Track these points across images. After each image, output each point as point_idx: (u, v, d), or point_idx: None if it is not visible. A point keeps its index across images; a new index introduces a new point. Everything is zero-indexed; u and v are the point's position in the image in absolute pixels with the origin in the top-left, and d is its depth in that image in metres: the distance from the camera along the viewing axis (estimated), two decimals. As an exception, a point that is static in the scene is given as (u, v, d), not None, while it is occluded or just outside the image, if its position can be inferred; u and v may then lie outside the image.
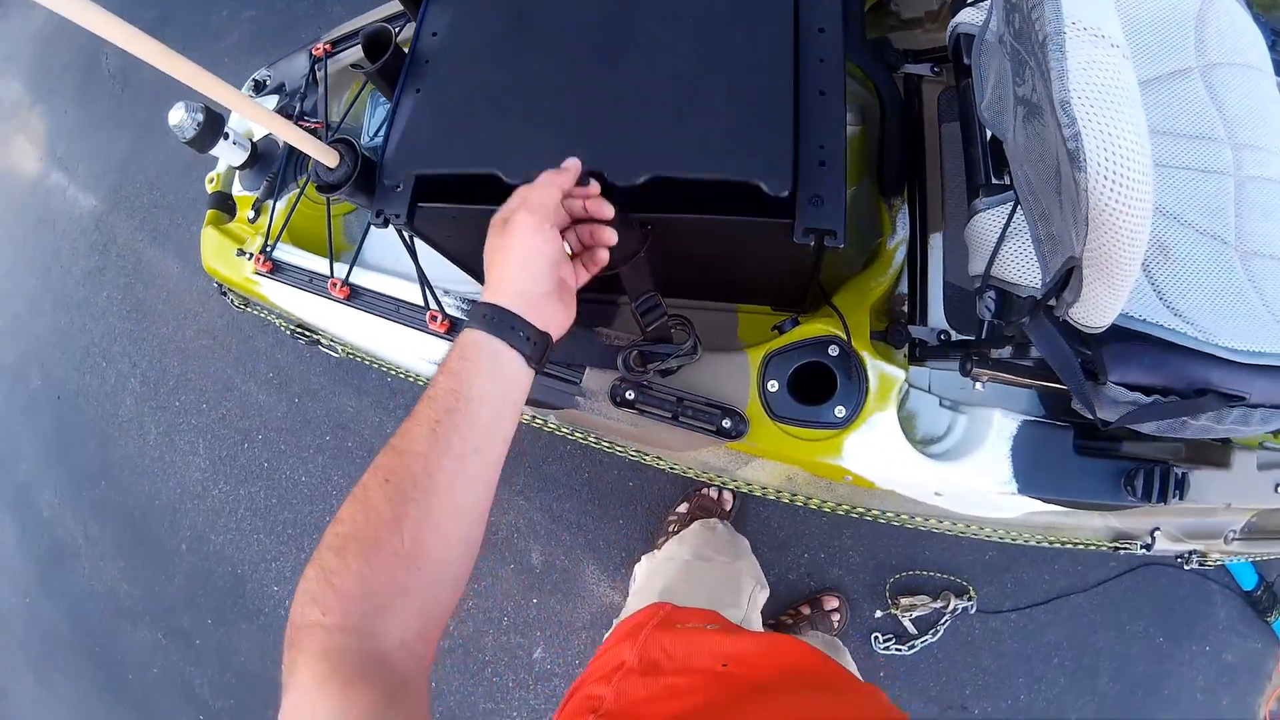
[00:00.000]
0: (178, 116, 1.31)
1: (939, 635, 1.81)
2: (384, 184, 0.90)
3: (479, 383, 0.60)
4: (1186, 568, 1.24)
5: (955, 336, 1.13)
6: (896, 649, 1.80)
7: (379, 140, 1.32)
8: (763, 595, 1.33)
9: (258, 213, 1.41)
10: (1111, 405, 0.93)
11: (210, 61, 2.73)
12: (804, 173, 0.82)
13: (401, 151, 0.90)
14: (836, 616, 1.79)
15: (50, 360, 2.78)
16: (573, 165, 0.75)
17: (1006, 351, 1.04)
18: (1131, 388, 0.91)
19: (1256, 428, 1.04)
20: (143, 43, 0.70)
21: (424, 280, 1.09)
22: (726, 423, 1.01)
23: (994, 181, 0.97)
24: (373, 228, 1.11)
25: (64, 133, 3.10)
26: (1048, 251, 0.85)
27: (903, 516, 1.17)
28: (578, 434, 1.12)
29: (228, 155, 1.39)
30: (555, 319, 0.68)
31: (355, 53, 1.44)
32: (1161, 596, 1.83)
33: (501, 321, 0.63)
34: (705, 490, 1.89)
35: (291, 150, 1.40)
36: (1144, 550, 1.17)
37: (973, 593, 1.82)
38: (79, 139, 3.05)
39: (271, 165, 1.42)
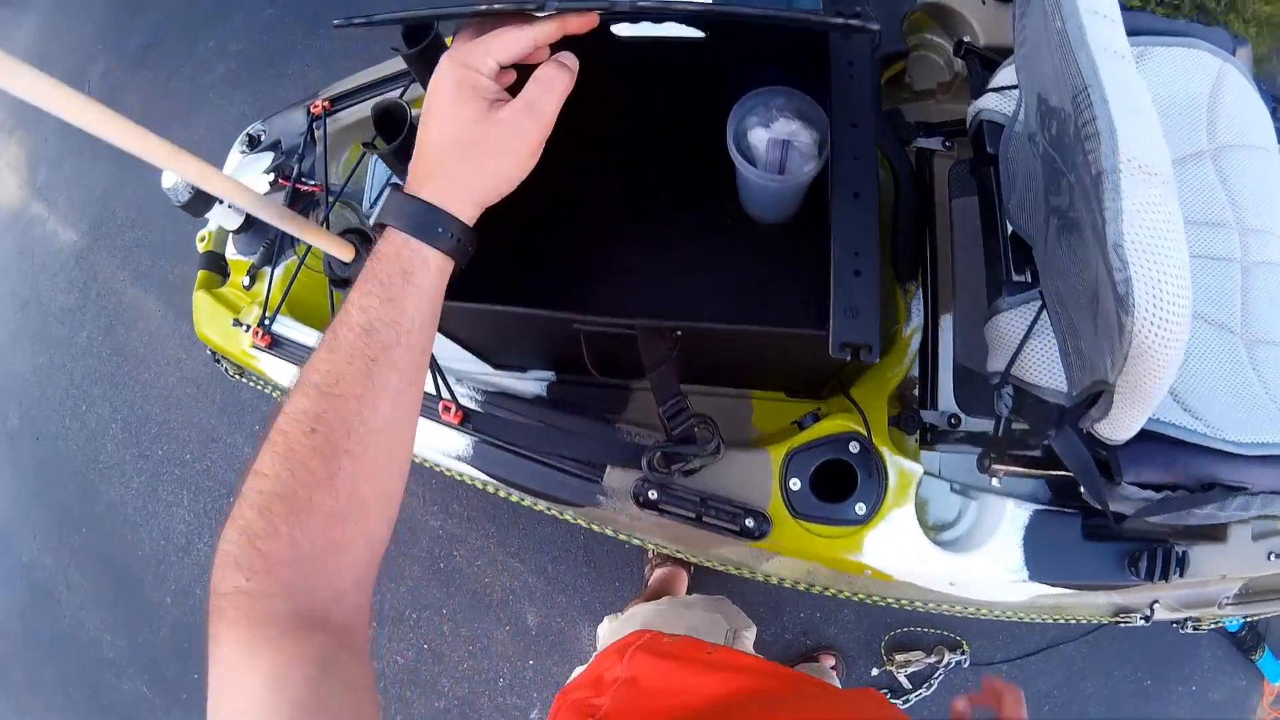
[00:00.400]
0: (171, 180, 1.25)
1: (933, 689, 1.81)
2: None
3: (421, 306, 0.50)
4: (1182, 632, 1.25)
5: (965, 420, 1.11)
6: (893, 703, 1.77)
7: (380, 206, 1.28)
8: (750, 634, 1.28)
9: (253, 279, 1.35)
10: (1124, 501, 0.93)
11: (197, 95, 2.73)
12: (839, 282, 0.78)
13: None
14: (834, 674, 1.76)
15: (29, 398, 2.66)
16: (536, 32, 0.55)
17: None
18: (1143, 485, 0.90)
19: (1256, 512, 1.04)
20: (128, 131, 0.64)
21: (437, 369, 1.04)
22: (749, 522, 0.98)
23: (1015, 278, 0.95)
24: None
25: (45, 160, 2.97)
26: (1075, 365, 0.83)
27: (916, 604, 1.14)
28: (594, 526, 1.08)
29: (223, 219, 1.33)
30: (491, 181, 0.53)
31: (356, 112, 1.38)
32: (1148, 641, 1.84)
33: (430, 222, 0.50)
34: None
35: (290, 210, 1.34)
36: (1144, 622, 1.17)
37: (966, 646, 1.82)
38: (60, 167, 2.93)
39: (267, 230, 1.36)
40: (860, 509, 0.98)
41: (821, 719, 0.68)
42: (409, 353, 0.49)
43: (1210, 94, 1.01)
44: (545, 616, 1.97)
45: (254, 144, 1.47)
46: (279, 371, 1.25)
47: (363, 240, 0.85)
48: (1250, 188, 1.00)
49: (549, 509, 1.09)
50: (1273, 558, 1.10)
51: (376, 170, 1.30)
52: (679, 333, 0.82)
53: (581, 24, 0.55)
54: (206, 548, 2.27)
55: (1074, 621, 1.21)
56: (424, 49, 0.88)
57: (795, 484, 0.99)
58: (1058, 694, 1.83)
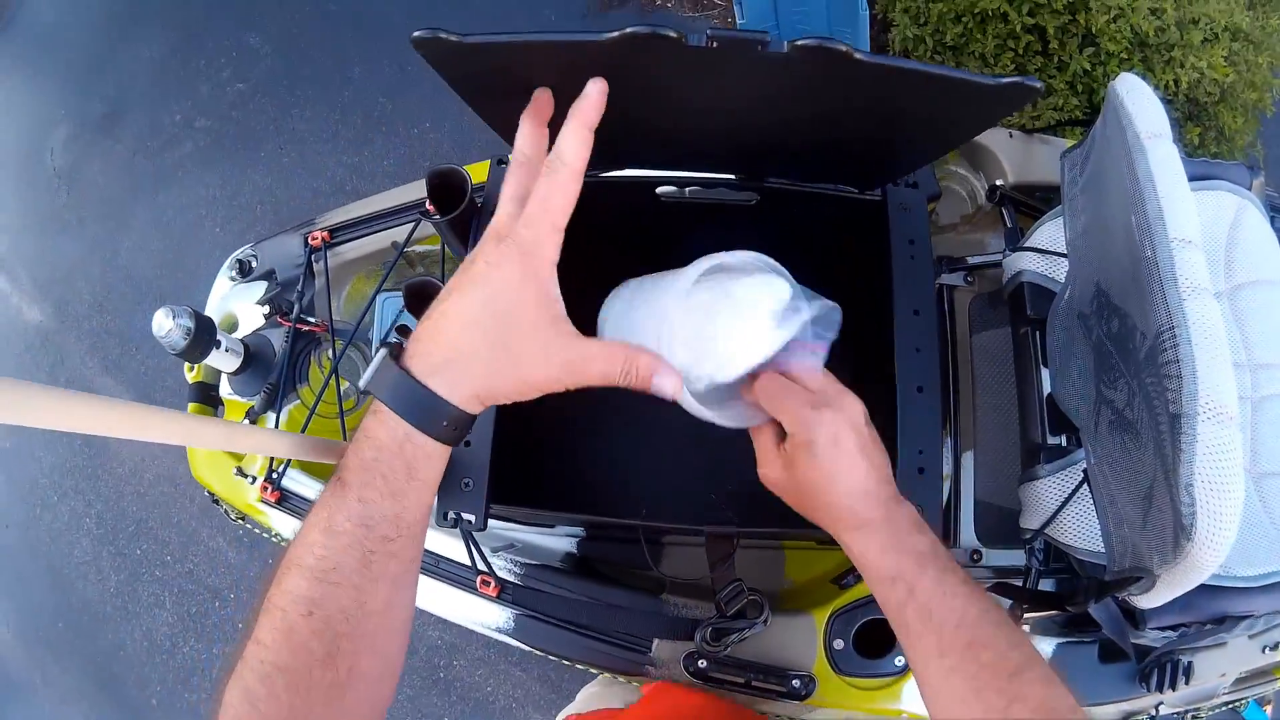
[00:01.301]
0: (164, 326, 1.13)
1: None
2: (453, 481, 0.79)
3: (424, 499, 0.47)
4: None
5: (986, 555, 1.10)
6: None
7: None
8: None
9: (253, 423, 1.25)
10: (1144, 639, 0.97)
11: (163, 172, 2.57)
12: (903, 483, 0.75)
13: (474, 451, 0.79)
14: None
15: (-6, 482, 2.47)
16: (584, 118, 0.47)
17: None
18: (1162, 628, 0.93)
19: (1260, 629, 1.08)
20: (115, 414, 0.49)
21: (472, 541, 0.97)
22: (796, 683, 0.96)
23: (1051, 441, 0.93)
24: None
25: (6, 229, 2.76)
26: (1116, 543, 0.82)
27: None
28: (634, 681, 1.03)
29: (221, 363, 1.23)
30: (513, 389, 0.46)
31: (357, 247, 1.29)
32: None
33: (437, 416, 0.45)
34: None
35: (291, 354, 1.25)
36: None
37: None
38: (22, 239, 2.73)
39: (267, 370, 1.26)
40: (899, 661, 0.97)
41: None
42: (410, 543, 0.47)
43: (1228, 234, 1.01)
44: (550, 723, 1.90)
45: (244, 270, 1.37)
46: (289, 527, 1.16)
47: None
48: (1261, 323, 1.01)
49: (586, 669, 1.04)
50: (1266, 650, 1.12)
51: (385, 309, 1.22)
52: (737, 536, 0.79)
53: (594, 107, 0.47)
54: (192, 651, 2.14)
55: (1085, 731, 1.22)
56: (459, 215, 0.82)
57: (839, 644, 0.97)
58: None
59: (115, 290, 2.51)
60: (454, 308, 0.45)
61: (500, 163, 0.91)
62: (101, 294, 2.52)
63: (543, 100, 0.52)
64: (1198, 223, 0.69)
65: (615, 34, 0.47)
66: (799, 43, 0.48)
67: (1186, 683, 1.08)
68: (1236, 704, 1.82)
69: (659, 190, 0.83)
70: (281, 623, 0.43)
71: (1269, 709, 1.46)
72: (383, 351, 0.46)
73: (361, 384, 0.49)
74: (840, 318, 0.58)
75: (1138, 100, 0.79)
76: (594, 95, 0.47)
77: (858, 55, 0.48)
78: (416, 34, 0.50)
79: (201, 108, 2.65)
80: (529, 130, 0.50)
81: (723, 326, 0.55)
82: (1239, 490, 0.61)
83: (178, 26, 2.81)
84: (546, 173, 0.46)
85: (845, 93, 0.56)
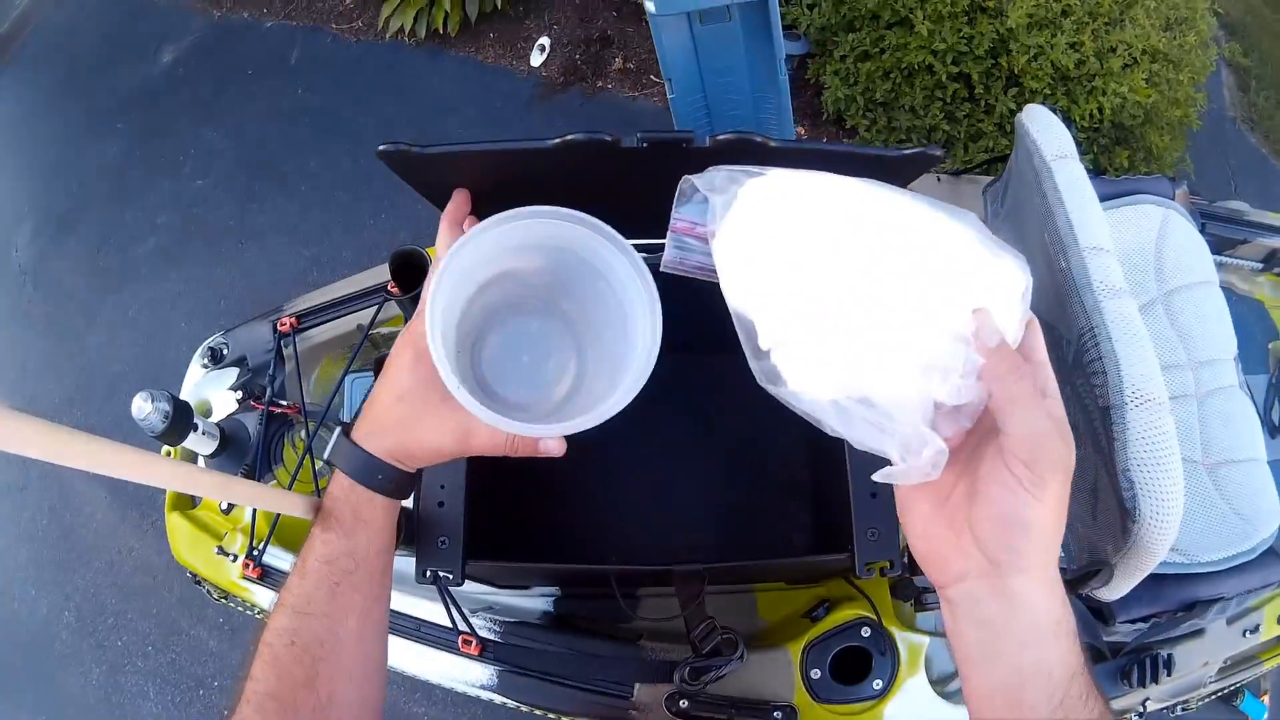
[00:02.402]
0: (144, 410, 1.13)
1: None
2: (430, 540, 0.81)
3: (372, 538, 0.57)
4: (1173, 716, 1.28)
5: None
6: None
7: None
8: None
9: (231, 505, 1.25)
10: (1117, 636, 1.00)
11: (127, 268, 2.58)
12: (858, 508, 0.79)
13: (447, 510, 0.81)
14: None
15: (-29, 577, 2.37)
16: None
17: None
18: (1133, 621, 0.97)
19: (1233, 611, 1.10)
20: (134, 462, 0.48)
21: (453, 602, 0.97)
22: (778, 715, 0.97)
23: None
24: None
25: (-28, 326, 2.72)
26: (1070, 542, 0.85)
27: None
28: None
29: (198, 446, 1.22)
30: (429, 449, 0.56)
31: (324, 331, 1.31)
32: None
33: (372, 471, 0.56)
34: None
35: (265, 436, 1.25)
36: (1139, 718, 1.19)
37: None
38: (-13, 335, 2.68)
39: (243, 453, 1.27)
40: (877, 685, 0.99)
41: None
42: (368, 576, 0.56)
43: (1156, 243, 1.06)
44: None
45: (216, 357, 1.38)
46: (269, 602, 1.15)
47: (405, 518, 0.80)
48: (1196, 323, 1.06)
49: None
50: (1246, 634, 1.14)
51: (354, 390, 1.24)
52: (706, 575, 0.81)
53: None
54: (180, 740, 2.06)
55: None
56: (420, 292, 0.85)
57: (816, 673, 0.98)
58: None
59: (84, 385, 2.47)
60: (378, 391, 0.57)
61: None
62: (71, 389, 2.48)
63: (459, 202, 0.62)
64: (1108, 231, 0.73)
65: (558, 140, 0.53)
66: (720, 137, 0.54)
67: (1169, 675, 1.08)
68: (1226, 691, 1.84)
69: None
70: (270, 656, 0.51)
71: (1266, 699, 1.47)
72: (338, 430, 0.58)
73: (326, 455, 0.58)
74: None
75: (1042, 127, 0.84)
76: (458, 198, 0.61)
77: (773, 144, 0.54)
78: (381, 148, 0.57)
79: (163, 204, 2.67)
80: (444, 233, 0.60)
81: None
82: (1176, 468, 0.63)
83: (139, 124, 2.84)
84: (430, 272, 0.55)
85: None
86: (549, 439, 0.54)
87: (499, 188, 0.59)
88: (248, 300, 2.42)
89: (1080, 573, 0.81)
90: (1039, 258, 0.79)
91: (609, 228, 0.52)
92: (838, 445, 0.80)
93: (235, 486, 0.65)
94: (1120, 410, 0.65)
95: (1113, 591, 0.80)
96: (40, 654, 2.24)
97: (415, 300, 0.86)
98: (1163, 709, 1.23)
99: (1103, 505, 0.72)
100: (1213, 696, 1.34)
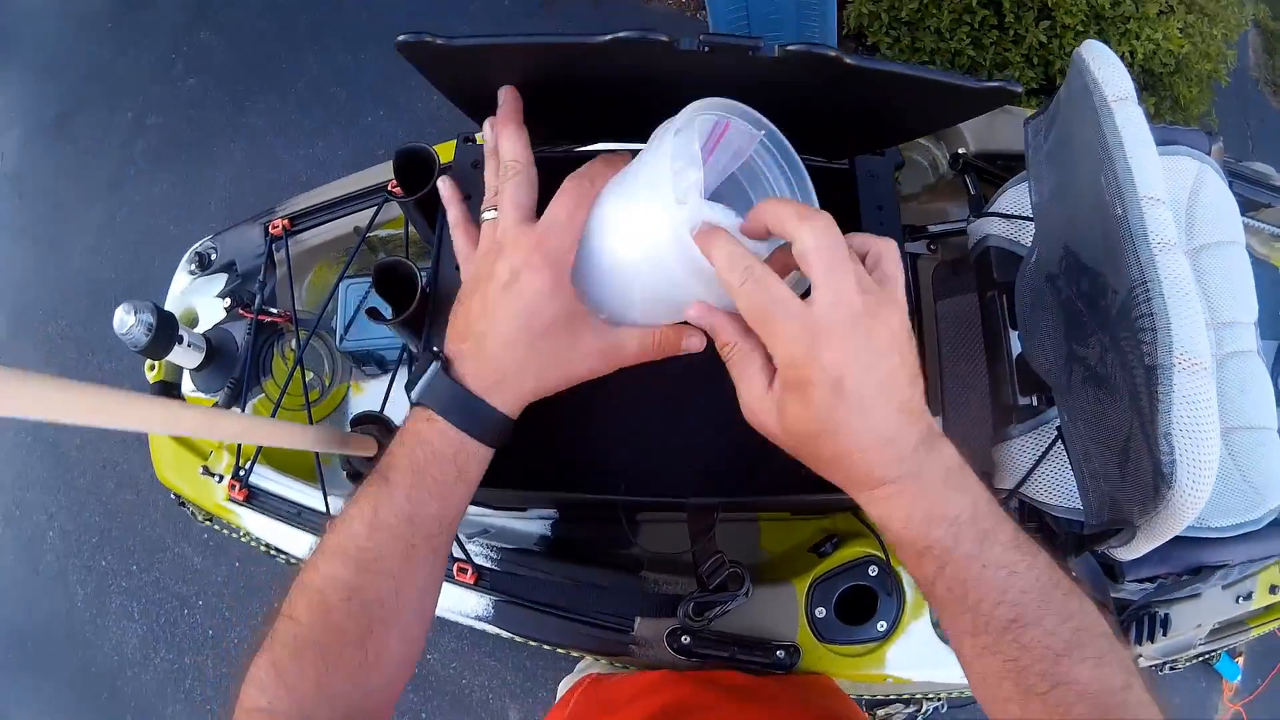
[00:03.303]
0: (126, 322, 1.07)
1: (915, 733, 1.80)
2: None
3: (466, 497, 0.50)
4: (1161, 674, 1.28)
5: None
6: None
7: (358, 342, 1.14)
8: None
9: (222, 419, 1.18)
10: (1123, 593, 1.00)
11: (117, 172, 2.46)
12: None
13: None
14: None
15: (-47, 501, 2.33)
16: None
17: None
18: (1140, 580, 0.94)
19: (1234, 579, 1.08)
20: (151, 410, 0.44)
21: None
22: (780, 654, 0.93)
23: (1022, 402, 0.92)
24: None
25: (-44, 239, 2.63)
26: (1093, 497, 0.81)
27: (930, 696, 1.12)
28: (615, 664, 1.00)
29: (183, 359, 1.16)
30: (557, 385, 0.50)
31: (319, 233, 1.23)
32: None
33: (492, 425, 0.49)
34: None
35: (254, 346, 1.18)
36: None
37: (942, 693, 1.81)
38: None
39: (230, 365, 1.20)
40: (881, 626, 0.95)
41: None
42: (449, 539, 0.50)
43: (1189, 198, 1.01)
44: (528, 712, 1.85)
45: (204, 263, 1.30)
46: (259, 526, 1.10)
47: (383, 431, 0.73)
48: (1222, 283, 1.01)
49: (567, 653, 1.00)
50: (1240, 600, 1.13)
51: (348, 296, 1.17)
52: (719, 507, 0.76)
53: None
54: (164, 662, 2.04)
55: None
56: (424, 197, 0.77)
57: (821, 612, 0.95)
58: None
59: (71, 295, 2.38)
60: (490, 325, 0.47)
61: (466, 140, 0.87)
62: (57, 299, 2.39)
63: (513, 100, 0.52)
64: (1164, 182, 0.69)
65: (609, 37, 0.45)
66: (790, 47, 0.46)
67: (1165, 634, 1.08)
68: (1210, 656, 1.87)
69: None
70: (320, 602, 0.45)
71: (1240, 661, 1.49)
72: (435, 365, 0.48)
73: (414, 396, 0.49)
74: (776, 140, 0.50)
75: (1104, 65, 0.79)
76: (510, 97, 0.52)
77: (849, 60, 0.47)
78: (401, 38, 0.47)
79: (153, 105, 2.54)
80: (513, 134, 0.51)
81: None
82: (1215, 438, 0.61)
83: (128, 25, 2.69)
84: (569, 183, 0.49)
85: (829, 89, 0.54)
86: (692, 336, 0.49)
87: (541, 89, 0.52)
88: (239, 203, 2.33)
89: (1100, 529, 0.78)
90: (1088, 198, 0.75)
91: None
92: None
93: (280, 431, 0.58)
94: (1167, 371, 0.61)
95: (1131, 552, 0.77)
96: (25, 576, 2.20)
97: (421, 203, 0.78)
98: (1151, 666, 1.24)
99: (1133, 465, 0.68)
100: (1199, 659, 1.35)
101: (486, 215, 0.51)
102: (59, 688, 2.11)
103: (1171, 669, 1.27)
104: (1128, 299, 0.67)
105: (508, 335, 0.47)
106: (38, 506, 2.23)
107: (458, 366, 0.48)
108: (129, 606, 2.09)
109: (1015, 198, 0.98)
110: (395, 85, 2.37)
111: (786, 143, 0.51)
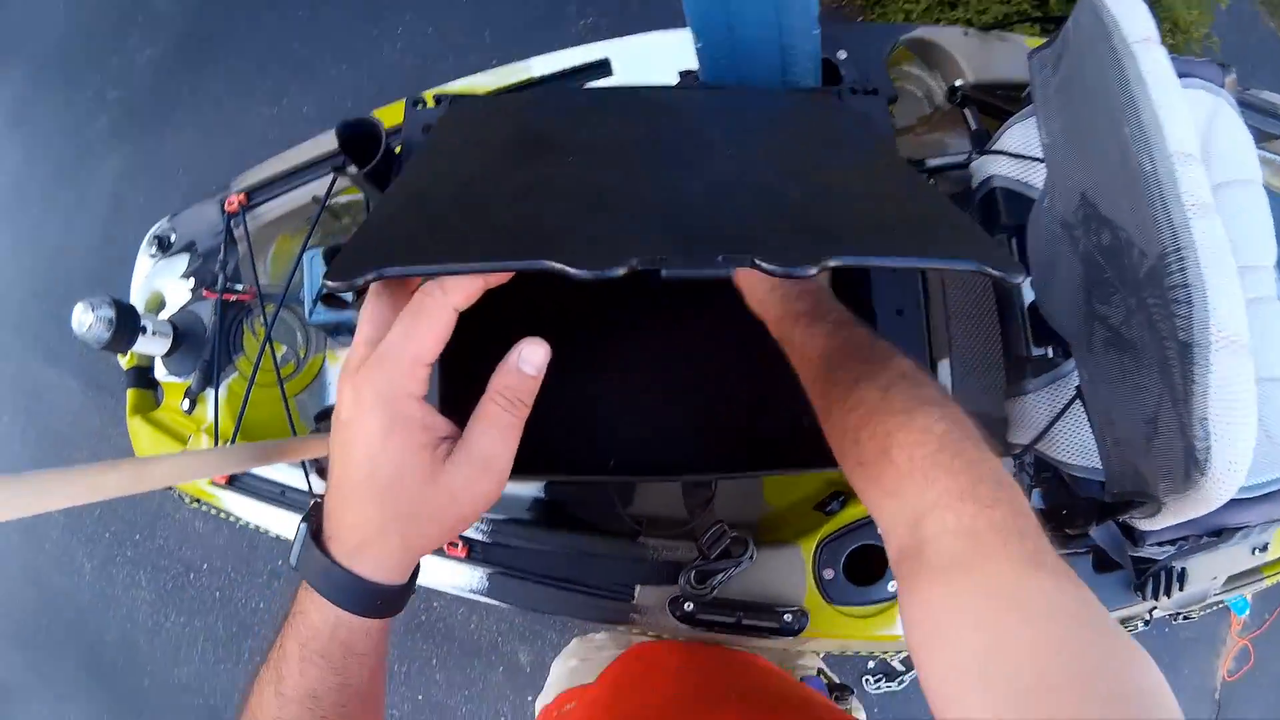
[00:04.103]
0: (84, 321, 1.02)
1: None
2: None
3: (368, 665, 0.43)
4: (1175, 622, 1.25)
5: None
6: (888, 687, 1.76)
7: (327, 314, 1.07)
8: None
9: (193, 403, 1.12)
10: (1143, 556, 0.93)
11: (79, 148, 2.33)
12: None
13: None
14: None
15: (-48, 484, 2.29)
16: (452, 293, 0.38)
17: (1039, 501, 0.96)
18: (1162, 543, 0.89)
19: (1254, 538, 1.03)
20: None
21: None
22: (788, 618, 0.89)
23: (1035, 353, 0.85)
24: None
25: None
26: (1115, 463, 0.75)
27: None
28: (619, 628, 0.96)
29: (150, 348, 1.10)
30: (436, 542, 0.42)
31: (277, 206, 1.15)
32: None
33: (370, 599, 0.41)
34: None
35: (222, 326, 1.12)
36: (1144, 626, 1.16)
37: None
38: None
39: (200, 346, 1.13)
40: (892, 586, 0.91)
41: None
42: (360, 700, 0.42)
43: (1204, 133, 0.92)
44: (538, 653, 1.85)
45: (164, 245, 1.22)
46: (242, 507, 1.05)
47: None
48: (1239, 225, 0.93)
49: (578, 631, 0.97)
50: (1255, 552, 1.09)
51: (314, 266, 1.09)
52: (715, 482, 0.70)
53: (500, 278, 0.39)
54: (174, 626, 2.04)
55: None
56: (375, 167, 0.70)
57: (829, 574, 0.90)
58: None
59: (49, 276, 2.30)
60: (340, 479, 0.39)
61: (415, 104, 0.78)
62: (35, 282, 2.31)
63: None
64: (1195, 134, 0.61)
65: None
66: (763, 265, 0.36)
67: (1181, 589, 1.04)
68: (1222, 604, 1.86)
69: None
70: None
71: (1248, 593, 1.48)
72: (303, 528, 0.41)
73: (292, 562, 0.42)
74: None
75: (1122, 2, 0.70)
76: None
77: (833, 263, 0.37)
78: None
79: (112, 79, 2.40)
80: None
81: None
82: (1253, 424, 0.57)
83: (80, 1, 2.54)
84: (416, 300, 0.38)
85: None
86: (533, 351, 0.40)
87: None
88: (208, 169, 2.23)
89: (1122, 499, 0.73)
90: (1109, 146, 0.67)
91: None
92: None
93: (215, 459, 0.53)
94: (1204, 350, 0.57)
95: (1155, 525, 0.75)
96: (31, 555, 2.20)
97: (372, 175, 0.70)
98: (1166, 616, 1.21)
99: (1161, 440, 0.63)
100: (1215, 607, 1.32)
101: None
102: (77, 663, 2.12)
103: (1186, 619, 1.25)
104: (1159, 264, 0.61)
105: (353, 494, 0.39)
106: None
107: (325, 527, 0.41)
108: (136, 575, 2.08)
109: (1021, 135, 0.88)
110: (356, 37, 2.24)
111: None
